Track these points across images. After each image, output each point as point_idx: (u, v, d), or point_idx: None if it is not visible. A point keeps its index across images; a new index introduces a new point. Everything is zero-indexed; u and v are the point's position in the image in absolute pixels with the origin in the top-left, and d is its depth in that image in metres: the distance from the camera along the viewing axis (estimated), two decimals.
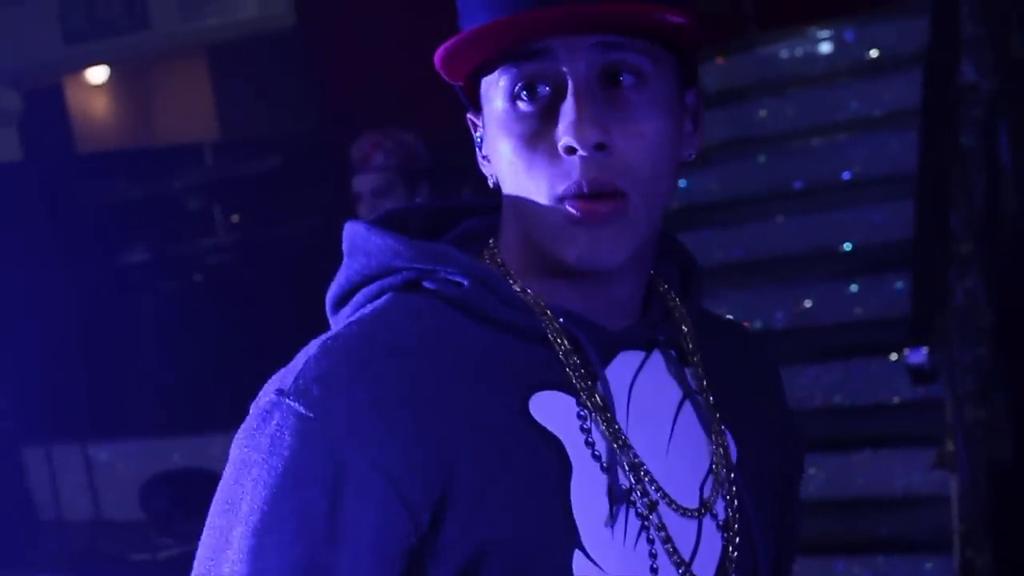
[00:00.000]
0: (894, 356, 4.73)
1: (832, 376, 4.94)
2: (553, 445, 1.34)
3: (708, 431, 1.44)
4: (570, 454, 1.34)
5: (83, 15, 8.28)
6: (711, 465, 1.44)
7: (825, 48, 5.95)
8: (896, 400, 4.80)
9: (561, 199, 1.33)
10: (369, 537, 1.28)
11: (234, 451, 1.33)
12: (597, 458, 1.35)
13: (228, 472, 1.33)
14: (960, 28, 5.12)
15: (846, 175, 5.50)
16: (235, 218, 8.03)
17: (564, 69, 1.33)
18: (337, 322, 1.45)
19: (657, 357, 1.44)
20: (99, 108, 9.78)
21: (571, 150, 1.32)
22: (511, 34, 1.32)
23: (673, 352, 1.45)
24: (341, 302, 1.45)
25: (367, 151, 4.23)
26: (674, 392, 1.44)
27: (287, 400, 1.29)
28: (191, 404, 7.06)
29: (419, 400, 1.30)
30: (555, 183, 1.33)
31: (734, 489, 1.44)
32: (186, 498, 5.98)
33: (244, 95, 8.97)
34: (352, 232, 1.44)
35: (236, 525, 1.29)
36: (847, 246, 5.29)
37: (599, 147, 1.31)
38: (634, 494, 1.36)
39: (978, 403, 4.43)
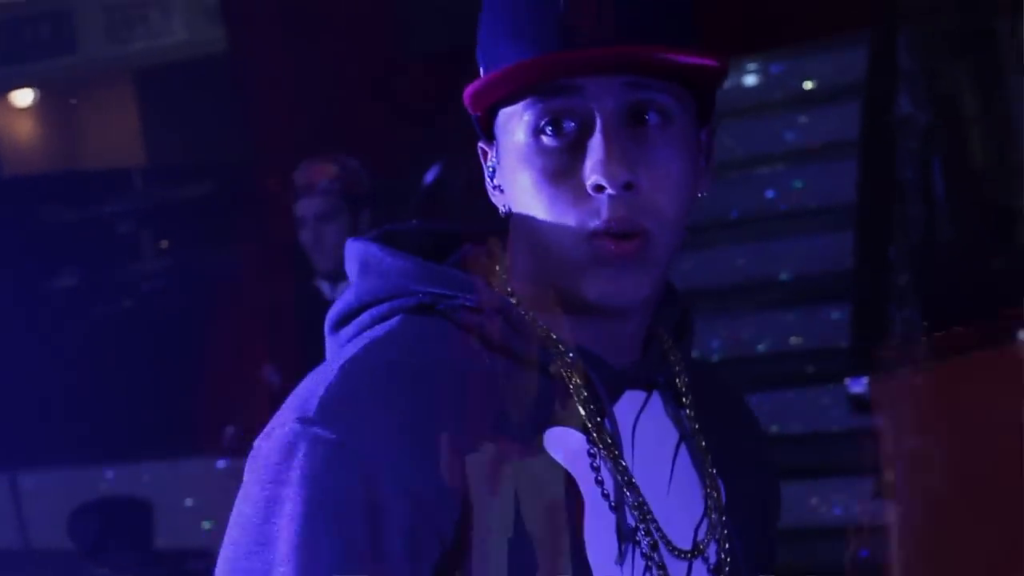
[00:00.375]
0: (833, 386, 4.76)
1: (769, 405, 4.96)
2: (565, 481, 1.33)
3: (702, 475, 1.45)
4: (582, 491, 1.33)
5: (9, 38, 8.20)
6: (705, 508, 1.45)
7: (760, 79, 6.00)
8: (834, 429, 4.83)
9: (588, 237, 1.32)
10: (406, 564, 1.26)
11: (253, 489, 1.29)
12: (606, 497, 1.35)
13: (250, 512, 1.30)
14: (897, 61, 5.18)
15: (783, 205, 5.54)
16: (164, 244, 7.98)
17: (593, 107, 1.32)
18: (337, 341, 1.43)
19: (656, 398, 1.44)
20: (25, 131, 9.68)
21: (600, 188, 1.31)
22: (543, 71, 1.32)
23: (669, 394, 1.46)
24: (344, 321, 1.44)
25: (311, 176, 4.20)
26: (672, 434, 1.45)
27: (314, 428, 1.26)
28: (121, 431, 6.97)
29: (440, 426, 1.29)
30: (582, 220, 1.32)
31: (725, 532, 1.45)
32: (117, 527, 5.90)
33: (174, 120, 8.91)
34: (364, 251, 1.42)
35: (277, 565, 1.26)
36: (784, 276, 5.33)
37: (627, 186, 1.31)
38: (639, 533, 1.37)
39: (916, 433, 4.47)
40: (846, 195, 4.94)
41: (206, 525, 5.99)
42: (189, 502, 6.30)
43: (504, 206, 1.41)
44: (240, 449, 4.98)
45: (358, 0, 7.18)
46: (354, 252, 1.44)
